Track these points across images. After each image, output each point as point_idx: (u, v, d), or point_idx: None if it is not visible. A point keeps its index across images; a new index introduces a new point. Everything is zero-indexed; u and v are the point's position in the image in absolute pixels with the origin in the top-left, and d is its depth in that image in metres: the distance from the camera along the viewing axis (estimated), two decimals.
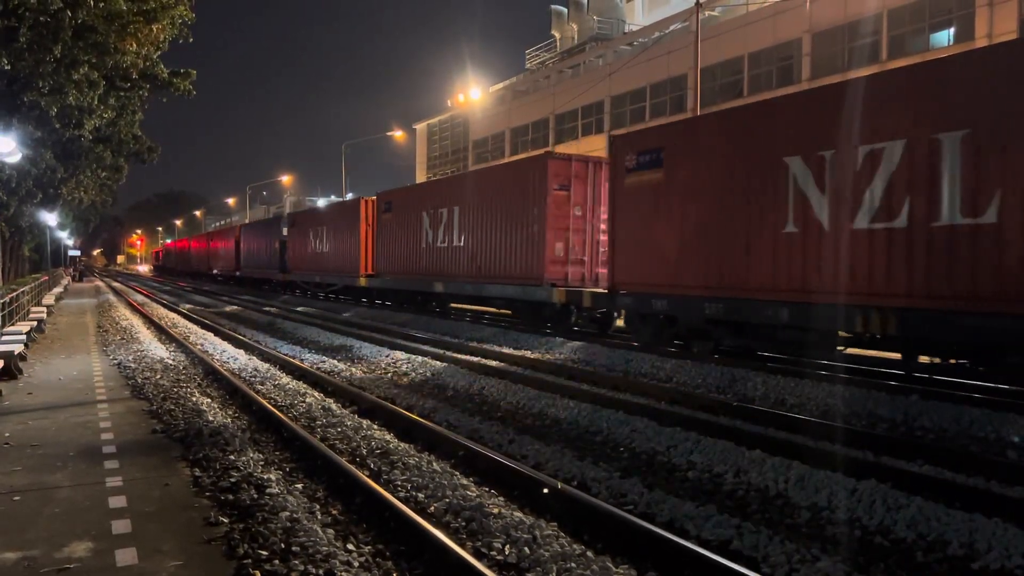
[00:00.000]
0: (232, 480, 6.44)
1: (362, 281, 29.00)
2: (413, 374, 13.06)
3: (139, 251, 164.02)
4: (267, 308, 29.11)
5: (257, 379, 12.21)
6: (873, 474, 6.68)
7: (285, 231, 39.07)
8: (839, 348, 11.79)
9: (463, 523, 5.68)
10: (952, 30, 27.75)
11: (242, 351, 16.13)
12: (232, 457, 7.15)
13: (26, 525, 5.51)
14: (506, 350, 15.51)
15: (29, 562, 4.86)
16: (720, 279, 12.80)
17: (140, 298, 37.78)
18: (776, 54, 33.57)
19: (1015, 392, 10.21)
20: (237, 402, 10.42)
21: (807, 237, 11.37)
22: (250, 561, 4.80)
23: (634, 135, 15.81)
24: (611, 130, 40.54)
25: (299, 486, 6.56)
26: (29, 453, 7.55)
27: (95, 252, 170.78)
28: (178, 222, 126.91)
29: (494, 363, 13.74)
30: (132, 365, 13.40)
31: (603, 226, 17.74)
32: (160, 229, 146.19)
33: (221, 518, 5.59)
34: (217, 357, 14.81)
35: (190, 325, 22.26)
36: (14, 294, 20.41)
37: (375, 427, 8.77)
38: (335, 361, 14.60)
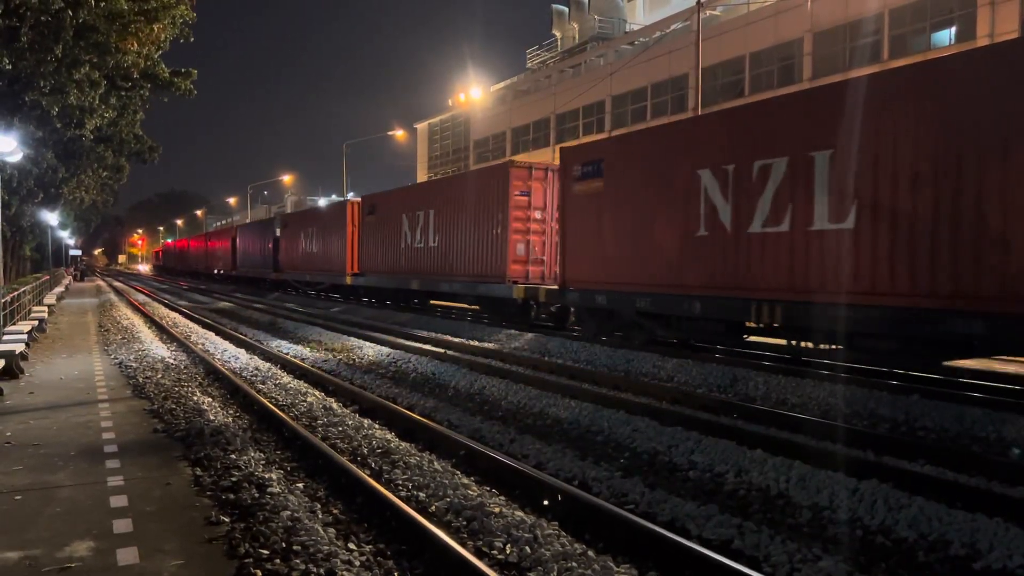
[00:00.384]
0: (233, 479, 6.44)
1: (348, 280, 30.34)
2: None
3: (140, 251, 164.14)
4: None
5: (258, 378, 12.23)
6: (875, 474, 6.67)
7: (278, 232, 40.24)
8: (744, 336, 13.61)
9: (464, 522, 5.69)
10: (953, 29, 27.73)
11: (243, 350, 16.14)
12: (233, 456, 7.15)
13: (27, 524, 5.52)
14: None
15: (31, 561, 4.86)
16: (647, 276, 14.38)
17: (141, 297, 37.82)
18: (777, 54, 33.56)
19: (1017, 392, 10.22)
20: (238, 401, 10.44)
21: (714, 240, 12.91)
22: (251, 560, 4.80)
23: (580, 148, 17.46)
24: (612, 130, 40.57)
25: (300, 485, 6.56)
26: (31, 452, 7.55)
27: (96, 252, 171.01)
28: (179, 222, 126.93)
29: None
30: (133, 364, 13.41)
31: None
32: (161, 229, 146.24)
33: (222, 517, 5.58)
34: (218, 356, 14.82)
35: (191, 324, 22.28)
36: (15, 293, 20.42)
37: (376, 426, 8.78)
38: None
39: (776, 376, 11.33)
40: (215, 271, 57.36)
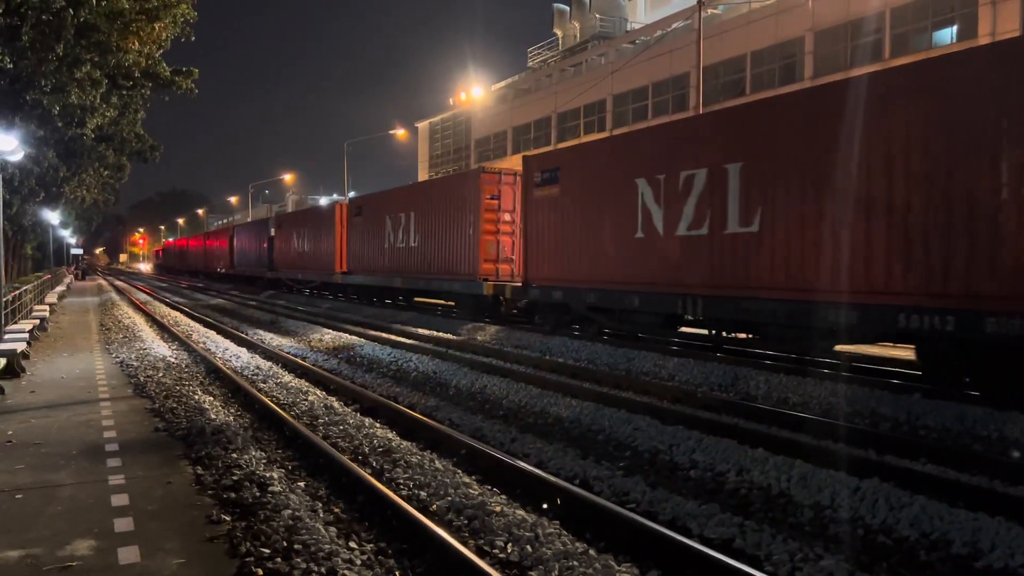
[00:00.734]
0: (234, 478, 6.44)
1: (337, 278, 31.82)
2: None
3: (141, 250, 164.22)
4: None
5: (260, 377, 12.23)
6: (876, 473, 6.66)
7: (273, 232, 41.40)
8: (679, 328, 15.07)
9: (465, 521, 5.69)
10: (955, 28, 27.70)
11: (244, 349, 16.16)
12: (234, 455, 7.15)
13: (29, 523, 5.52)
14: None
15: (32, 560, 4.86)
16: (596, 274, 15.79)
17: (142, 296, 37.86)
18: (779, 52, 33.52)
19: (1019, 392, 10.20)
20: (239, 400, 10.44)
21: (649, 241, 14.37)
22: (252, 559, 4.80)
23: (540, 156, 18.82)
24: (613, 128, 40.55)
25: (301, 484, 6.57)
26: (32, 451, 7.56)
27: (97, 251, 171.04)
28: (180, 221, 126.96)
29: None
30: (135, 363, 13.42)
31: None
32: (163, 228, 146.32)
33: (223, 516, 5.58)
34: (220, 355, 14.83)
35: (192, 323, 22.29)
36: (17, 292, 20.43)
37: (377, 425, 8.78)
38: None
39: (777, 375, 11.32)
40: (214, 270, 58.06)
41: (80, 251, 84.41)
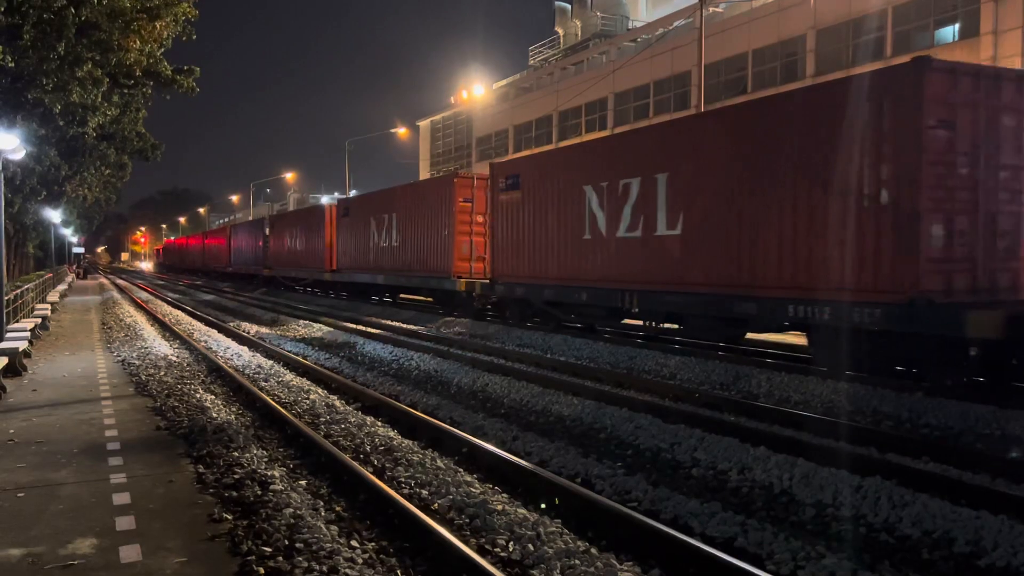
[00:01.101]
0: (236, 477, 6.44)
1: (327, 276, 33.22)
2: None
3: (143, 248, 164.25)
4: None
5: (261, 375, 12.23)
6: (878, 471, 6.65)
7: (267, 231, 42.50)
8: (623, 320, 16.56)
9: (467, 520, 5.68)
10: (957, 26, 27.64)
11: (246, 347, 16.16)
12: (236, 454, 7.15)
13: (31, 522, 5.52)
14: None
15: (34, 558, 4.86)
16: (551, 271, 17.20)
17: (144, 295, 37.89)
18: (780, 50, 33.46)
19: (1020, 391, 10.18)
20: (241, 399, 10.44)
21: (595, 242, 15.76)
22: (254, 558, 4.79)
23: (505, 163, 20.63)
24: (614, 127, 40.51)
25: (303, 483, 6.56)
26: (34, 450, 7.56)
27: (99, 249, 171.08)
28: (182, 219, 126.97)
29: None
30: (136, 362, 13.42)
31: None
32: (164, 227, 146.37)
33: (225, 515, 5.58)
34: (221, 354, 14.83)
35: (194, 322, 22.31)
36: (19, 291, 20.44)
37: (379, 423, 8.78)
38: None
39: (779, 373, 11.31)
40: (212, 268, 58.89)
41: (82, 250, 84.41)
